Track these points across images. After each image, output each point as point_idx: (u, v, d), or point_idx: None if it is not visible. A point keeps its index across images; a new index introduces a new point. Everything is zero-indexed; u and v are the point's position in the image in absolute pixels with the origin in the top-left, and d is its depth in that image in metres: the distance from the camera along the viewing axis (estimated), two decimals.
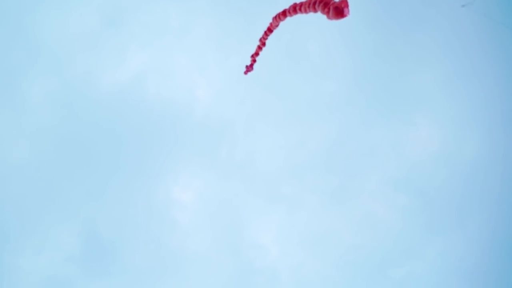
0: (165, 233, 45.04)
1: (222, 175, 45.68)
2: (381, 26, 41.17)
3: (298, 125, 44.13)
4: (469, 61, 39.37)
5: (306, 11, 10.32)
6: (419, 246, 42.44)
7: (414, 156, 42.23)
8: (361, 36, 40.85)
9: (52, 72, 41.20)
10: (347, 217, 44.07)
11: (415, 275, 42.11)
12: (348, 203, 44.09)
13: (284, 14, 13.88)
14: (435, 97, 41.37)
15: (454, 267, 41.12)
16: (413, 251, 42.48)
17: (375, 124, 43.34)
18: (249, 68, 15.17)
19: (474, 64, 39.19)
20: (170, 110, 42.54)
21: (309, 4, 9.74)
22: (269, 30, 14.61)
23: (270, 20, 15.19)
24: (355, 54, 41.78)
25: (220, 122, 44.02)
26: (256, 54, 14.97)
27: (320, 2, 8.29)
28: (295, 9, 12.22)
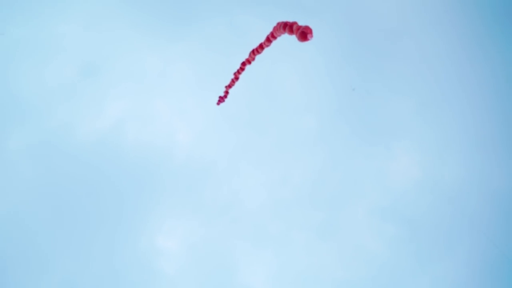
0: (151, 286, 44.78)
1: (207, 219, 46.26)
2: (353, 60, 43.63)
3: (280, 161, 45.52)
4: (440, 88, 41.80)
5: (277, 36, 11.82)
6: (411, 276, 43.23)
7: (397, 185, 43.74)
8: (335, 71, 43.17)
9: (30, 124, 42.18)
10: (336, 252, 44.81)
11: None
12: (336, 238, 44.96)
13: (261, 46, 15.43)
14: (411, 125, 43.46)
15: None
16: (406, 282, 43.19)
17: (356, 156, 45.00)
18: (222, 99, 16.42)
19: (446, 90, 41.60)
20: (151, 156, 43.56)
21: (279, 29, 11.27)
22: (244, 64, 16.05)
23: (246, 57, 16.62)
24: (330, 89, 43.98)
25: (202, 164, 45.14)
26: (230, 86, 16.32)
27: (286, 26, 9.85)
28: (268, 38, 13.79)
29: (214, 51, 42.52)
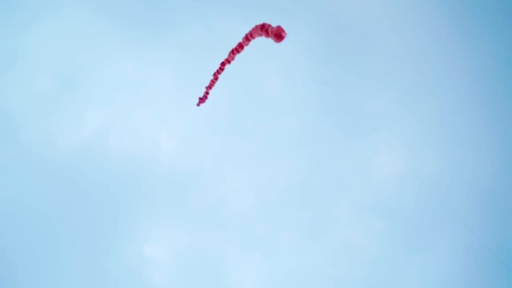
0: None
1: (194, 225, 46.18)
2: (332, 61, 44.35)
3: (265, 163, 45.88)
4: (417, 84, 42.74)
5: (255, 36, 12.27)
6: (400, 268, 43.90)
7: (381, 180, 44.50)
8: (315, 70, 43.79)
9: (8, 138, 41.91)
10: (325, 250, 45.27)
11: None
12: (324, 236, 45.43)
13: (240, 46, 15.75)
14: (393, 120, 44.27)
15: (436, 283, 42.66)
16: (395, 273, 43.83)
17: (339, 154, 45.63)
18: (202, 99, 16.53)
19: (422, 85, 42.55)
20: (135, 164, 43.42)
21: (256, 31, 11.73)
22: (224, 64, 16.25)
23: (226, 57, 16.81)
24: (311, 88, 44.57)
25: (187, 169, 45.28)
26: (210, 87, 16.45)
27: (262, 29, 10.34)
28: (247, 37, 14.20)
29: (193, 56, 42.83)
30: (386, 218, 44.45)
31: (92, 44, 42.81)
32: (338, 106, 44.60)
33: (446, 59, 41.50)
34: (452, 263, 42.12)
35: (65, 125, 43.07)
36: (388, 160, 44.66)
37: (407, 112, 43.46)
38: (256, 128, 45.57)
